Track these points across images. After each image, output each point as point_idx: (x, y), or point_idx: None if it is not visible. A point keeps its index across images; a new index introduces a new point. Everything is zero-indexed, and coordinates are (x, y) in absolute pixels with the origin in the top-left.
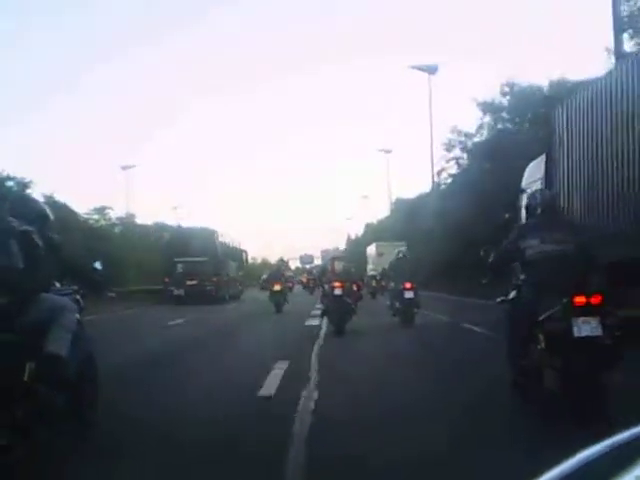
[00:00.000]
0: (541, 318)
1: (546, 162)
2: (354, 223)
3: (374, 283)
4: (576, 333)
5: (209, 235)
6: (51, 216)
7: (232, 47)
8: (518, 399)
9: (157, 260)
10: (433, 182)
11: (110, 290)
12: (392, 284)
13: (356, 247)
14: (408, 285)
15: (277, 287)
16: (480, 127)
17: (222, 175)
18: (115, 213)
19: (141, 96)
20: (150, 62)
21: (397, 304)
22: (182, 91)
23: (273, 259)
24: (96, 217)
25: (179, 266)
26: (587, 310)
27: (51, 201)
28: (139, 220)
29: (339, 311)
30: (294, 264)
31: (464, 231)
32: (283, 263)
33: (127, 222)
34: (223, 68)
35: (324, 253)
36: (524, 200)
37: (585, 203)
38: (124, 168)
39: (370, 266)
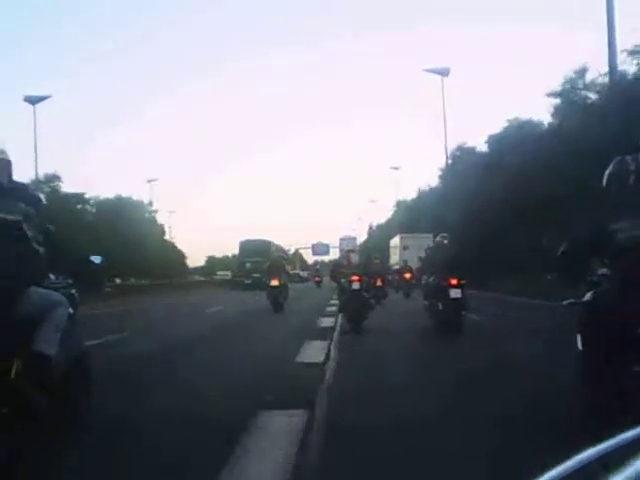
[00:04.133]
0: (639, 330)
1: None
2: (380, 206)
3: (398, 277)
4: None
5: (266, 243)
6: (44, 201)
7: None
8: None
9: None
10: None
11: (106, 285)
12: (431, 279)
13: (383, 233)
14: (454, 281)
15: (275, 282)
16: None
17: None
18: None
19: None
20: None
21: (440, 305)
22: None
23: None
24: None
25: (247, 265)
26: None
27: None
28: (91, 190)
29: (356, 307)
30: (306, 254)
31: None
32: (297, 255)
33: (47, 187)
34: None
35: (343, 241)
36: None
37: None
38: (31, 101)
39: (394, 258)
